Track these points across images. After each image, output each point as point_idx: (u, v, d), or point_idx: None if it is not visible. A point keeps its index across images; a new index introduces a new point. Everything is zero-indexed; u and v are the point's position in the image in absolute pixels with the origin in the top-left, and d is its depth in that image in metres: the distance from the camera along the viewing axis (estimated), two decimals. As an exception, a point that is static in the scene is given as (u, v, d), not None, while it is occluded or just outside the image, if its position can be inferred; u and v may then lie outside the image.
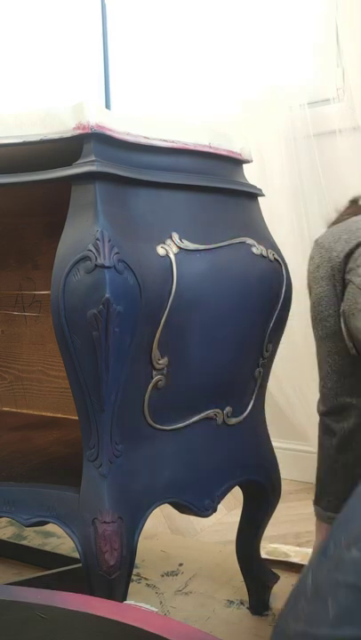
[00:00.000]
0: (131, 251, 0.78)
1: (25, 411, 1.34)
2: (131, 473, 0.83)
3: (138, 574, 1.20)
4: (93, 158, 0.79)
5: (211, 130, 0.96)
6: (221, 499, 0.95)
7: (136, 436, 0.84)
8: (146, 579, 1.18)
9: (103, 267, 0.73)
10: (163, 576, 1.19)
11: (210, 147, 0.95)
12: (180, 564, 1.23)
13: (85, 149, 0.80)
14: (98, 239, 0.74)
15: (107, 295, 0.72)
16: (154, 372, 0.84)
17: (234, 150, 1.00)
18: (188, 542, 1.32)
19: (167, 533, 1.38)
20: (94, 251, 0.74)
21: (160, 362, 0.84)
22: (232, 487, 0.97)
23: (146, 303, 0.78)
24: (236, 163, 1.01)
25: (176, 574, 1.20)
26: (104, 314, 0.73)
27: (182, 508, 0.92)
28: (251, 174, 1.58)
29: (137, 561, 1.26)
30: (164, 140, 0.89)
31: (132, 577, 1.19)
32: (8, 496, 0.87)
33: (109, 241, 0.75)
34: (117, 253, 0.75)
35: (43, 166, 0.83)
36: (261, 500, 1.04)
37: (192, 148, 0.92)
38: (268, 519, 1.06)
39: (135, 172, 0.84)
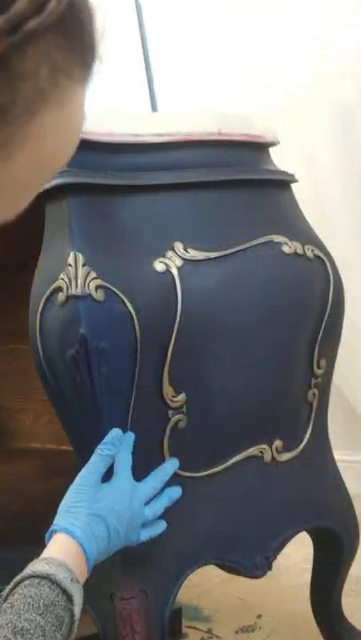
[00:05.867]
0: (118, 272, 0.65)
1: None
2: (154, 534, 0.69)
3: (209, 630, 1.06)
4: (64, 168, 0.67)
5: (219, 113, 0.81)
6: (278, 553, 0.78)
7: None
8: (218, 637, 1.03)
9: (75, 297, 0.60)
10: (237, 632, 1.04)
11: (219, 133, 0.79)
12: (259, 616, 1.07)
13: (59, 160, 0.69)
14: (70, 264, 0.62)
15: (81, 331, 0.60)
16: (170, 412, 0.71)
17: (252, 133, 0.83)
18: (270, 586, 1.16)
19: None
20: (66, 279, 0.62)
21: (175, 399, 0.70)
22: (292, 537, 0.80)
23: (145, 331, 0.65)
24: (256, 147, 0.84)
25: (253, 630, 1.04)
26: (82, 353, 0.60)
27: (228, 569, 0.77)
28: (295, 159, 1.39)
29: (211, 612, 1.11)
30: (159, 135, 0.75)
31: (203, 633, 1.05)
32: (24, 565, 0.76)
33: (84, 265, 0.62)
34: (95, 278, 0.62)
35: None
36: (334, 547, 0.85)
37: (195, 138, 0.77)
38: (347, 569, 0.88)
39: (123, 177, 0.71)
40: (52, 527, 0.59)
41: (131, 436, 0.65)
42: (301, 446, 0.83)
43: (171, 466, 0.69)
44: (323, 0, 1.39)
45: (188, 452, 0.73)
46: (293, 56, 1.42)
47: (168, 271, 0.68)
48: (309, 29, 1.40)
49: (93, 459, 0.62)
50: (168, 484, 0.68)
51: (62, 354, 0.61)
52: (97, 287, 0.62)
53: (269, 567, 0.77)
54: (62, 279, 0.62)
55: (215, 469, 0.75)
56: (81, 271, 0.62)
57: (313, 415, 0.84)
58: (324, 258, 0.82)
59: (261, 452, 0.79)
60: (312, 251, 0.81)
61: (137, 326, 0.64)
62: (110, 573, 0.67)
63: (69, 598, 0.52)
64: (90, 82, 0.31)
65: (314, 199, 1.39)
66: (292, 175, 0.87)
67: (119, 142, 0.72)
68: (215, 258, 0.73)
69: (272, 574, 0.78)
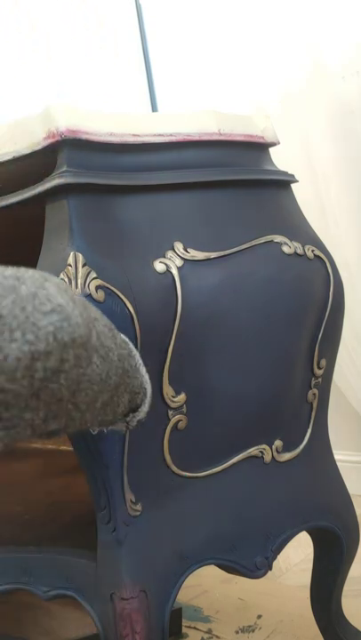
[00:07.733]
0: (118, 272, 0.65)
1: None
2: (155, 535, 0.69)
3: (209, 630, 1.06)
4: (65, 169, 0.67)
5: (220, 113, 0.81)
6: (278, 553, 0.78)
7: (159, 489, 0.71)
8: (218, 637, 1.03)
9: (75, 297, 0.60)
10: (237, 632, 1.04)
11: (219, 133, 0.79)
12: (259, 617, 1.07)
13: (59, 160, 0.69)
14: (69, 265, 0.62)
15: (82, 331, 0.59)
16: (170, 412, 0.71)
17: (253, 133, 0.84)
18: (270, 587, 1.16)
19: (248, 574, 1.22)
20: (66, 279, 0.62)
21: (175, 399, 0.70)
22: (292, 537, 0.80)
23: (145, 332, 0.65)
24: (257, 148, 0.84)
25: (253, 630, 1.04)
26: (82, 354, 0.60)
27: (228, 569, 0.77)
28: (295, 160, 1.39)
29: (210, 612, 1.11)
30: (159, 135, 0.75)
31: (203, 634, 1.05)
32: (24, 564, 0.76)
33: (84, 265, 0.62)
34: (95, 278, 0.62)
35: (20, 188, 0.72)
36: (334, 547, 0.85)
37: (195, 138, 0.77)
38: (347, 569, 0.88)
39: (124, 177, 0.71)
40: None
41: None
42: (302, 446, 0.83)
43: None
44: (322, 0, 1.39)
45: (188, 451, 0.73)
46: (293, 56, 1.42)
47: (168, 271, 0.68)
48: (309, 29, 1.40)
49: None
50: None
51: (62, 354, 0.61)
52: (97, 287, 0.62)
53: (269, 567, 0.77)
54: (62, 279, 0.62)
55: (215, 469, 0.75)
56: (81, 271, 0.62)
57: (313, 415, 0.84)
58: (325, 258, 0.82)
59: (262, 452, 0.79)
60: (312, 251, 0.81)
61: (137, 326, 0.64)
62: (110, 575, 0.67)
63: None
64: None
65: (314, 199, 1.39)
66: (292, 175, 0.87)
67: (119, 142, 0.72)
68: (215, 258, 0.73)
69: (272, 574, 0.78)
